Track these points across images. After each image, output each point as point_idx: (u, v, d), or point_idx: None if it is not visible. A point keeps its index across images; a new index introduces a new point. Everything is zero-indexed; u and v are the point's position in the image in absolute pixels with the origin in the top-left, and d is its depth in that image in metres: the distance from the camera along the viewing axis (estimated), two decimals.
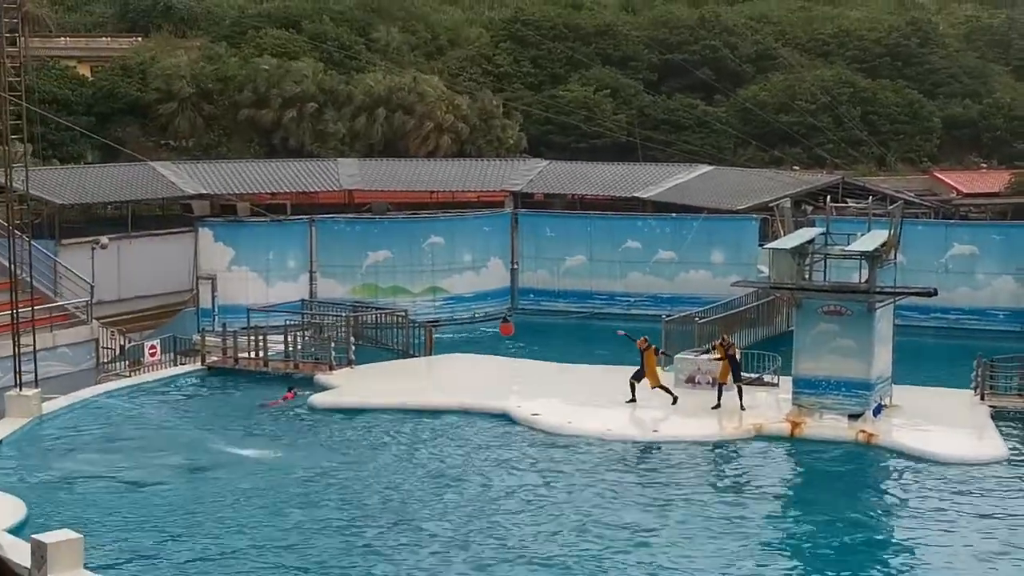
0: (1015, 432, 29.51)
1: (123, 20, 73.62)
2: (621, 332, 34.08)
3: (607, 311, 46.08)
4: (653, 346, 32.52)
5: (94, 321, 38.87)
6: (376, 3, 78.69)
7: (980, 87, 79.60)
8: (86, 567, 18.73)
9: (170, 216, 53.13)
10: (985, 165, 73.11)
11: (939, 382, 33.58)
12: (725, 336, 33.07)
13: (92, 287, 40.39)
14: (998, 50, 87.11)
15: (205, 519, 23.44)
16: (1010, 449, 27.92)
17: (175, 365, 36.97)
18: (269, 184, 53.27)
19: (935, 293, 31.96)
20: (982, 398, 31.67)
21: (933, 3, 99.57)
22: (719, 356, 31.77)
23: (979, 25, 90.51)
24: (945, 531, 22.93)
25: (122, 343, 38.78)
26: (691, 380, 33.26)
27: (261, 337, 36.69)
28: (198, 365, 36.66)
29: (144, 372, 36.26)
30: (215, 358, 36.82)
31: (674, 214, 48.60)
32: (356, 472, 26.60)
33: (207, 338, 37.47)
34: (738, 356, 32.37)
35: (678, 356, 34.06)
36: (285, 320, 38.81)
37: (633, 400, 31.76)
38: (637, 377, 31.89)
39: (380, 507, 24.30)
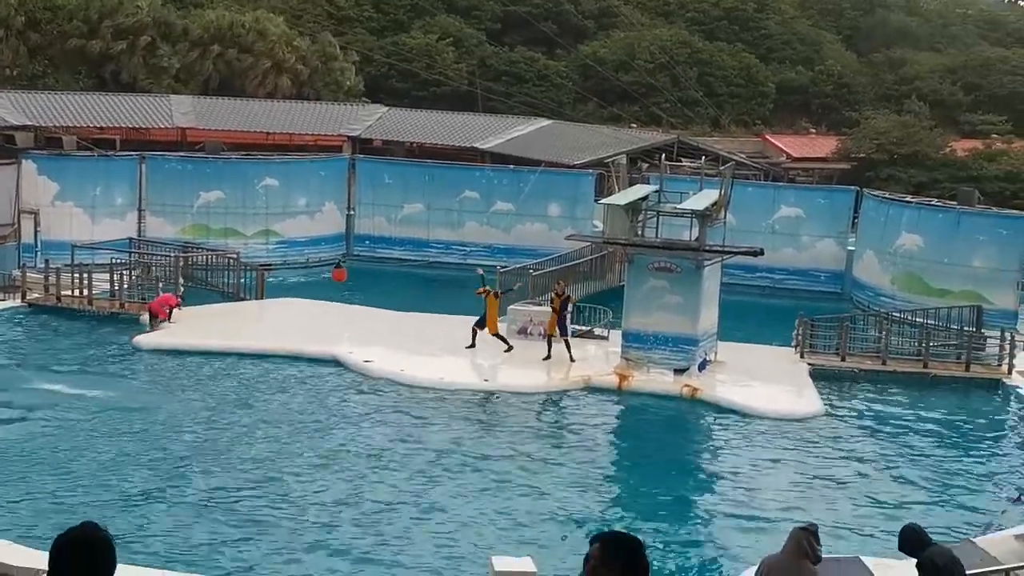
0: (832, 389, 30.57)
1: None
2: (480, 271, 34.04)
3: (443, 260, 46.12)
4: (493, 291, 32.63)
5: None
6: None
7: (813, 54, 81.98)
8: None
9: None
10: (814, 131, 75.41)
11: (762, 340, 34.58)
12: (561, 283, 33.31)
13: None
14: (830, 19, 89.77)
15: (13, 457, 22.69)
16: (826, 405, 28.91)
17: None
18: (98, 118, 51.56)
19: (761, 253, 32.71)
20: (802, 356, 32.67)
21: None
22: (555, 306, 32.04)
23: None
24: (757, 479, 23.65)
25: None
26: (523, 331, 33.48)
27: (85, 275, 35.57)
28: (18, 302, 35.38)
29: None
30: (36, 295, 35.60)
31: (512, 166, 48.75)
32: (171, 412, 26.04)
33: (28, 274, 36.20)
34: (570, 308, 32.70)
35: (511, 307, 34.23)
36: (111, 259, 37.63)
37: (472, 346, 31.90)
38: (480, 324, 32.03)
39: (191, 447, 23.86)
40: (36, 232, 40.33)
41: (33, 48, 58.66)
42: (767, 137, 72.39)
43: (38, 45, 58.81)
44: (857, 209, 44.71)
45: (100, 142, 49.81)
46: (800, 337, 33.09)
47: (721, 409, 28.60)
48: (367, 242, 47.17)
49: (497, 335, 32.18)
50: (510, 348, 32.00)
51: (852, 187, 47.21)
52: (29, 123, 49.34)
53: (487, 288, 32.50)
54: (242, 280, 38.46)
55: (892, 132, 65.09)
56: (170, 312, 33.45)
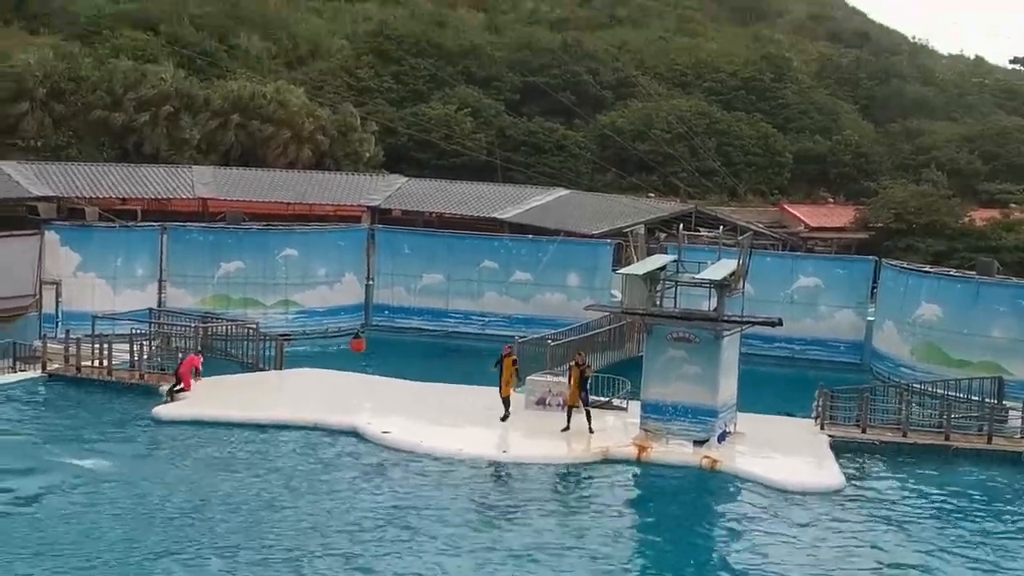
0: (853, 462, 30.34)
1: None
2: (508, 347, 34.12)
3: (462, 330, 46.14)
4: (514, 356, 32.74)
5: None
6: (237, 9, 77.82)
7: (830, 123, 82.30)
8: None
9: (15, 218, 51.42)
10: (832, 200, 75.54)
11: (782, 411, 34.40)
12: (580, 354, 33.28)
13: None
14: (847, 88, 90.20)
15: (32, 532, 22.65)
16: (847, 478, 28.69)
17: (14, 372, 35.74)
18: (120, 189, 52.10)
19: (780, 323, 32.64)
20: (822, 427, 32.49)
21: (787, 39, 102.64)
22: (573, 376, 31.99)
23: (830, 63, 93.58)
24: (779, 554, 23.43)
25: None
26: (542, 402, 33.42)
27: (105, 345, 35.72)
28: (39, 372, 35.52)
29: None
30: (57, 366, 35.73)
31: (531, 236, 48.92)
32: (196, 486, 26.02)
33: (49, 345, 36.35)
34: (589, 378, 32.65)
35: (529, 377, 34.19)
36: (131, 329, 37.81)
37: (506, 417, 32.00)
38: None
39: (220, 522, 23.81)
40: (58, 303, 40.58)
41: (57, 119, 59.41)
42: (785, 207, 72.52)
43: (62, 116, 59.56)
44: (876, 279, 44.62)
45: (122, 213, 50.31)
46: (820, 408, 32.94)
47: (741, 481, 28.42)
48: (386, 312, 47.26)
49: (505, 399, 32.18)
50: (506, 416, 31.94)
51: (871, 257, 47.16)
52: (52, 194, 49.88)
53: (511, 349, 32.66)
54: (262, 350, 38.56)
55: (910, 202, 65.10)
56: (195, 373, 33.74)
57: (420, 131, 67.51)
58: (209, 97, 61.91)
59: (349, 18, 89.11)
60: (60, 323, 39.60)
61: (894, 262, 46.04)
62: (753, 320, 32.67)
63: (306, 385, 36.02)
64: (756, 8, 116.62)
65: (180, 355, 35.72)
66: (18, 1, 72.11)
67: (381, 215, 55.90)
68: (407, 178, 59.79)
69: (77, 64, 61.16)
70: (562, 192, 57.84)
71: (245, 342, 39.54)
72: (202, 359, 35.23)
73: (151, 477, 26.52)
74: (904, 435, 32.05)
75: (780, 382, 40.65)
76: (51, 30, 70.40)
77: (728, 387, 31.56)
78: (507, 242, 48.40)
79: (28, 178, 49.71)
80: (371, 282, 47.43)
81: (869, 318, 44.14)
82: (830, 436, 31.87)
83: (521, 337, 37.59)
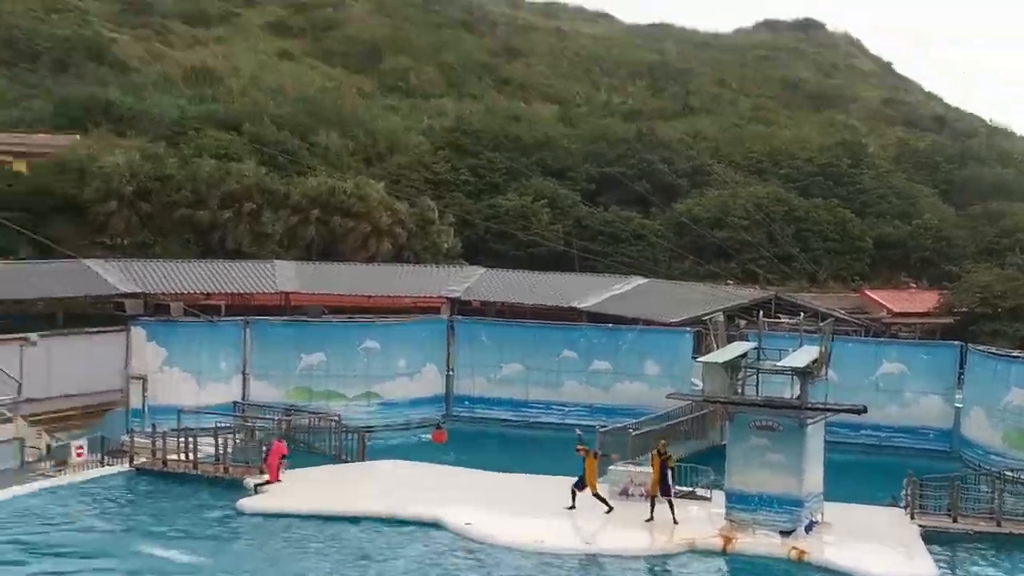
0: (945, 553, 29.66)
1: (62, 117, 73.36)
2: (579, 432, 34.05)
3: (542, 420, 46.05)
4: (592, 451, 32.58)
5: (19, 419, 38.05)
6: (316, 108, 79.43)
7: (909, 208, 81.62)
8: None
9: (103, 315, 52.51)
10: (914, 285, 74.61)
11: (870, 499, 33.78)
12: (662, 442, 33.00)
13: (20, 385, 39.67)
14: (924, 172, 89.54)
15: None
16: (940, 569, 28.03)
17: (102, 466, 36.27)
18: (204, 284, 52.95)
19: (865, 411, 32.19)
20: (912, 517, 31.85)
21: (863, 125, 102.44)
22: (655, 466, 31.72)
23: (907, 148, 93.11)
24: None
25: (49, 442, 37.96)
26: (624, 492, 33.18)
27: (191, 439, 36.15)
28: (126, 466, 36.01)
29: (70, 473, 35.49)
30: (143, 459, 36.22)
31: (610, 325, 48.87)
32: None
33: (136, 439, 36.87)
34: (672, 468, 32.35)
35: (611, 467, 33.98)
36: (216, 423, 38.26)
37: (573, 507, 31.73)
38: (579, 485, 31.90)
39: None
40: (144, 397, 41.19)
41: (143, 217, 60.72)
42: (866, 292, 71.81)
43: (148, 214, 60.87)
44: (962, 364, 43.85)
45: (206, 308, 51.07)
46: (909, 497, 32.31)
47: (830, 573, 27.90)
48: (466, 403, 47.34)
49: (597, 495, 31.94)
50: (610, 509, 31.72)
51: (956, 342, 46.38)
52: (138, 290, 50.83)
53: (586, 447, 32.41)
54: (344, 442, 38.77)
55: (995, 285, 64.07)
56: (281, 461, 34.00)
57: (497, 222, 68.04)
58: (290, 193, 62.98)
59: (425, 114, 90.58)
60: (146, 417, 40.13)
61: (981, 347, 45.28)
62: (837, 408, 32.31)
63: (389, 477, 36.10)
64: (830, 95, 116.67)
65: (264, 448, 35.99)
66: (106, 104, 74.20)
67: (460, 306, 56.21)
68: (485, 269, 60.16)
69: (163, 164, 62.64)
70: (640, 281, 57.81)
71: (327, 434, 39.80)
72: (286, 445, 35.57)
73: (234, 569, 26.67)
74: (998, 524, 31.32)
75: (867, 470, 39.90)
76: (137, 132, 72.22)
77: (814, 476, 31.12)
78: (586, 331, 48.39)
79: (115, 275, 50.73)
80: (451, 373, 47.59)
81: (957, 404, 43.35)
82: (921, 526, 31.21)
83: (602, 426, 37.42)
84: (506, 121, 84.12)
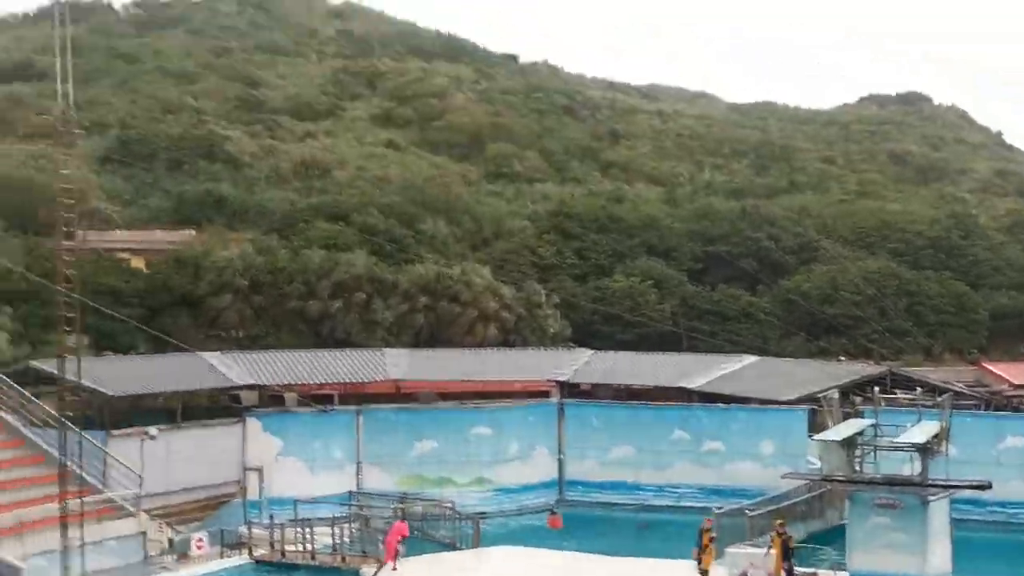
0: None
1: (177, 214, 75.54)
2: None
3: (656, 503, 45.61)
4: (712, 532, 32.27)
5: (142, 513, 38.73)
6: (422, 196, 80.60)
7: None
8: None
9: (219, 407, 53.37)
10: None
11: None
12: (782, 523, 32.43)
13: (141, 478, 40.41)
14: None
15: None
16: None
17: (222, 558, 36.71)
18: (317, 374, 53.53)
19: (990, 486, 31.39)
20: None
21: (973, 197, 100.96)
22: (776, 547, 31.18)
23: (1020, 218, 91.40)
24: None
25: (170, 536, 38.56)
26: (744, 575, 32.61)
27: (308, 529, 36.46)
28: (245, 558, 36.40)
29: (192, 565, 35.98)
30: (262, 551, 36.59)
31: (721, 404, 48.39)
32: None
33: (254, 530, 37.31)
34: (793, 548, 31.78)
35: (729, 550, 33.47)
36: (332, 512, 38.55)
37: None
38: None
39: None
40: (261, 488, 41.74)
41: (257, 309, 61.88)
42: (984, 365, 70.10)
43: (261, 306, 62.02)
44: None
45: (319, 398, 51.65)
46: None
47: None
48: (579, 487, 47.11)
49: (703, 572, 31.57)
50: None
51: None
52: (253, 382, 51.58)
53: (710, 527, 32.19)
54: (458, 529, 38.76)
55: None
56: (400, 542, 34.06)
57: (604, 304, 68.07)
58: (398, 281, 63.77)
59: (529, 198, 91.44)
60: (264, 508, 40.60)
61: None
62: (961, 484, 31.61)
63: (504, 563, 35.95)
64: (938, 168, 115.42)
65: (381, 534, 36.09)
66: (219, 200, 76.25)
67: (570, 389, 56.05)
68: (594, 351, 60.00)
69: (274, 256, 63.99)
70: (750, 359, 57.16)
71: (441, 521, 39.83)
72: (407, 526, 35.69)
73: None
74: None
75: (997, 549, 38.73)
76: (249, 226, 74.00)
77: (940, 554, 30.40)
78: (697, 411, 47.99)
79: (231, 368, 51.59)
80: (563, 456, 47.43)
81: None
82: None
83: (718, 508, 36.92)
84: (609, 203, 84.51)
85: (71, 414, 33.21)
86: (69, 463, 32.88)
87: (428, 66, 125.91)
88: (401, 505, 40.89)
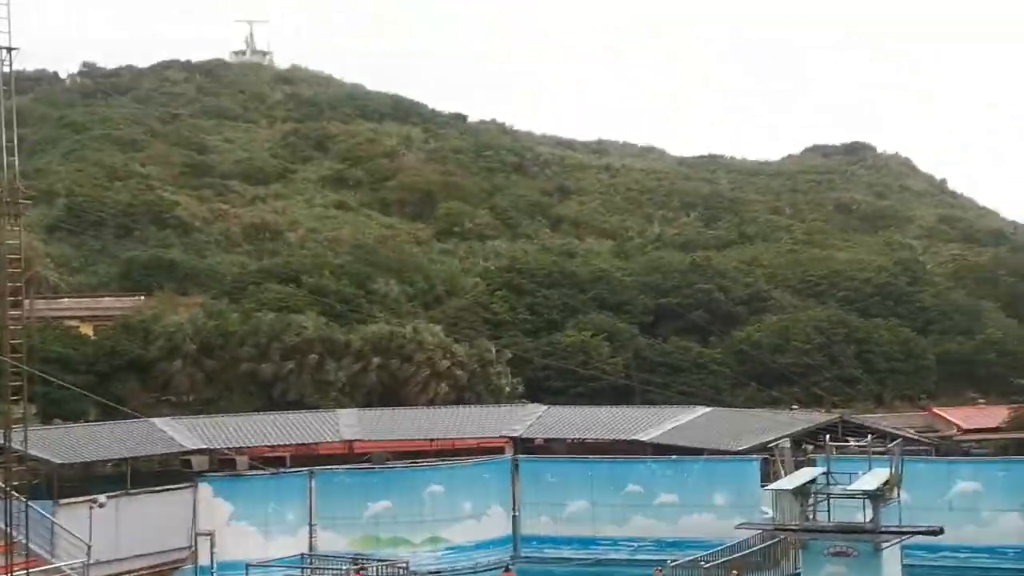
0: None
1: (126, 280, 75.15)
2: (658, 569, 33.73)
3: (611, 556, 45.46)
4: None
5: None
6: (374, 257, 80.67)
7: (972, 323, 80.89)
8: None
9: (170, 472, 52.82)
10: (983, 400, 73.39)
11: None
12: (735, 573, 32.50)
13: (89, 547, 39.81)
14: (987, 287, 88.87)
15: None
16: None
17: None
18: (268, 437, 53.21)
19: (942, 531, 31.57)
20: None
21: (920, 244, 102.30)
22: None
23: (966, 264, 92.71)
24: None
25: None
26: None
27: None
28: None
29: None
30: None
31: (674, 456, 48.44)
32: None
33: None
34: None
35: None
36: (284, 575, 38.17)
37: None
38: None
39: None
40: (212, 553, 41.25)
41: (208, 373, 61.50)
42: (934, 410, 70.71)
43: (212, 370, 61.65)
44: None
45: (271, 460, 51.30)
46: None
47: None
48: (534, 543, 46.89)
49: None
50: None
51: None
52: (204, 446, 51.18)
53: None
54: None
55: None
56: None
57: (557, 359, 68.16)
58: (350, 341, 63.65)
59: (481, 255, 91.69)
60: (215, 573, 40.11)
61: None
62: (913, 530, 31.76)
63: None
64: (884, 216, 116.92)
65: None
66: (169, 265, 75.98)
67: (523, 445, 55.95)
68: (547, 406, 60.00)
69: (226, 320, 63.72)
70: (703, 410, 57.29)
71: None
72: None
73: None
74: None
75: None
76: (200, 290, 73.71)
77: None
78: (651, 464, 47.98)
79: (181, 432, 51.18)
80: (517, 513, 47.25)
81: None
82: None
83: (673, 560, 36.86)
84: (561, 258, 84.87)
85: (17, 484, 32.86)
86: (15, 534, 32.45)
87: (378, 127, 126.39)
88: (355, 566, 40.49)
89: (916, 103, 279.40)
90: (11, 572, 30.87)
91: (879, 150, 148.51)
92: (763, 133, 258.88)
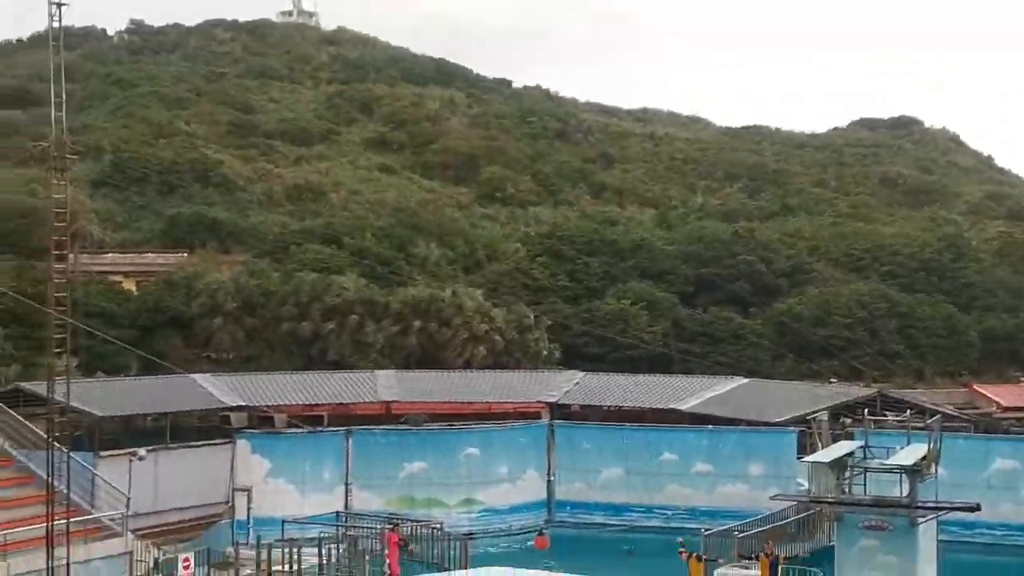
0: None
1: (169, 236, 75.64)
2: (680, 540, 33.74)
3: (644, 524, 45.53)
4: (694, 554, 32.17)
5: (129, 534, 38.55)
6: (416, 220, 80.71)
7: (1017, 301, 79.98)
8: None
9: (208, 427, 53.31)
10: None
11: None
12: (770, 544, 32.46)
13: (128, 499, 40.26)
14: None
15: None
16: None
17: None
18: (307, 396, 53.54)
19: (979, 508, 31.38)
20: None
21: (965, 219, 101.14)
22: (763, 568, 31.17)
23: (1012, 241, 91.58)
24: None
25: (156, 556, 38.40)
26: None
27: (295, 550, 36.33)
28: None
29: None
30: (249, 572, 36.45)
31: (711, 426, 48.36)
32: None
33: (241, 551, 37.19)
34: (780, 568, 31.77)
35: (718, 571, 33.43)
36: (319, 532, 38.44)
37: None
38: None
39: None
40: (249, 509, 41.65)
41: (248, 331, 61.91)
42: (974, 387, 70.16)
43: (253, 328, 62.06)
44: None
45: (309, 419, 51.63)
46: None
47: None
48: (568, 508, 47.06)
49: None
50: None
51: None
52: (243, 403, 51.58)
53: (689, 551, 32.00)
54: (446, 550, 38.64)
55: None
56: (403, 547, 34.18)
57: (595, 327, 68.07)
58: (390, 303, 63.84)
59: (522, 222, 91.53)
60: (251, 528, 40.51)
61: None
62: (950, 506, 31.56)
63: None
64: (930, 191, 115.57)
65: (369, 554, 36.00)
66: (212, 223, 76.37)
67: (560, 410, 56.02)
68: (584, 373, 59.99)
69: (267, 279, 64.08)
70: (741, 381, 57.14)
71: (430, 542, 39.73)
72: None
73: None
74: None
75: (985, 571, 38.71)
76: (242, 249, 74.12)
77: None
78: (687, 433, 47.94)
79: (221, 389, 51.62)
80: (552, 478, 47.39)
81: None
82: None
83: (707, 530, 36.87)
84: (602, 226, 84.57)
85: (59, 435, 33.18)
86: (56, 484, 32.80)
87: (422, 90, 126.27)
88: (390, 526, 40.76)
89: (966, 78, 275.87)
90: (52, 521, 31.20)
91: (926, 124, 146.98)
92: (810, 106, 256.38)
